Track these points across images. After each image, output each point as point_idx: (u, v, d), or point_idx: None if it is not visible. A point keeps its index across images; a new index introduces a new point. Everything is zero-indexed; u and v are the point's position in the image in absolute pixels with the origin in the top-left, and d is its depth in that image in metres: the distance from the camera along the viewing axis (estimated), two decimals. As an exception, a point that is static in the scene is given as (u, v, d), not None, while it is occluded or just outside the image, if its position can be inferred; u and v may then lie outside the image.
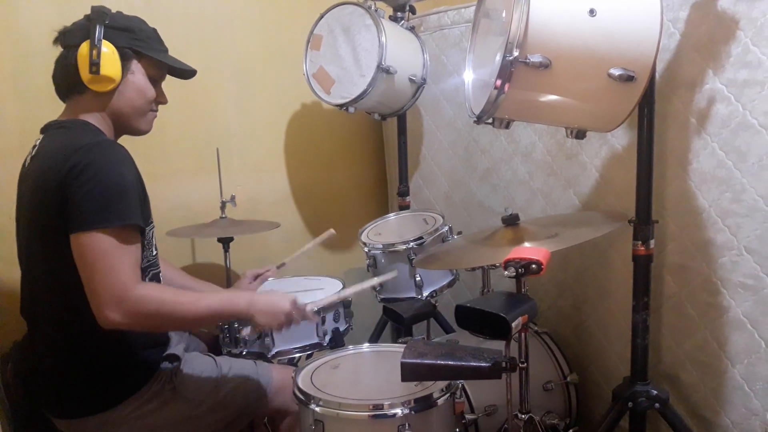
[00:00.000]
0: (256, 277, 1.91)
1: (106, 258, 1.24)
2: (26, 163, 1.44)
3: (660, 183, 1.58)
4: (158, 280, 1.52)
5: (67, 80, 1.41)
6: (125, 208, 1.27)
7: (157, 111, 1.53)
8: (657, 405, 1.52)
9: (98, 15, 1.38)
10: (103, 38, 1.36)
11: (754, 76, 1.40)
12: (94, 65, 1.35)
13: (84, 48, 1.36)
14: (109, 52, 1.37)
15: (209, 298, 1.41)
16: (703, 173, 1.53)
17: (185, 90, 1.60)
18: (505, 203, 2.11)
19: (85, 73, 1.36)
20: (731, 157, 1.47)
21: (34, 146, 1.43)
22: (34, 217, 1.36)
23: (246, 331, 1.61)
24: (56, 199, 1.27)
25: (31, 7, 1.91)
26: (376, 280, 1.71)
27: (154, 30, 1.50)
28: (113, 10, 1.43)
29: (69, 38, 1.40)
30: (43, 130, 1.45)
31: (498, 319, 1.10)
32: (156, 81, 1.49)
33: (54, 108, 1.47)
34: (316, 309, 1.50)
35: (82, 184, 1.25)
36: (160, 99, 1.52)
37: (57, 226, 1.28)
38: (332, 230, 1.97)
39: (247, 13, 2.34)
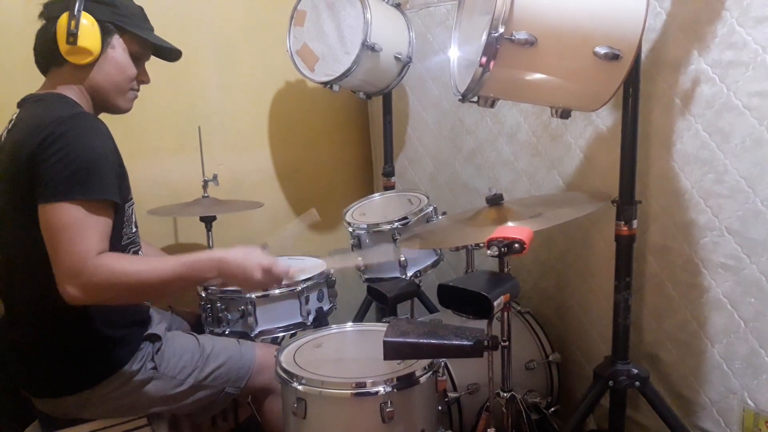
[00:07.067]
0: None
1: (67, 230, 1.20)
2: (2, 138, 1.40)
3: (643, 164, 1.59)
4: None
5: (46, 52, 1.38)
6: (94, 180, 1.23)
7: (138, 90, 1.49)
8: (637, 383, 1.54)
9: None
10: (84, 10, 1.33)
11: (739, 57, 1.40)
12: (72, 36, 1.32)
13: (63, 19, 1.33)
14: (88, 24, 1.34)
15: (170, 263, 1.29)
16: (686, 154, 1.53)
17: (166, 66, 1.57)
18: (490, 184, 2.11)
19: (63, 44, 1.33)
20: (714, 139, 1.47)
21: (11, 120, 1.39)
22: (8, 191, 1.33)
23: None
24: (27, 171, 1.24)
25: (6, -20, 1.86)
26: (361, 261, 1.68)
27: (140, 8, 1.47)
28: None
29: (51, 10, 1.37)
30: (20, 104, 1.41)
31: (480, 298, 1.10)
32: (138, 59, 1.46)
33: (30, 83, 1.44)
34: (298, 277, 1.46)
35: (51, 155, 1.22)
36: (142, 78, 1.48)
37: (28, 200, 1.24)
38: (314, 211, 1.76)
39: (230, -12, 2.30)
